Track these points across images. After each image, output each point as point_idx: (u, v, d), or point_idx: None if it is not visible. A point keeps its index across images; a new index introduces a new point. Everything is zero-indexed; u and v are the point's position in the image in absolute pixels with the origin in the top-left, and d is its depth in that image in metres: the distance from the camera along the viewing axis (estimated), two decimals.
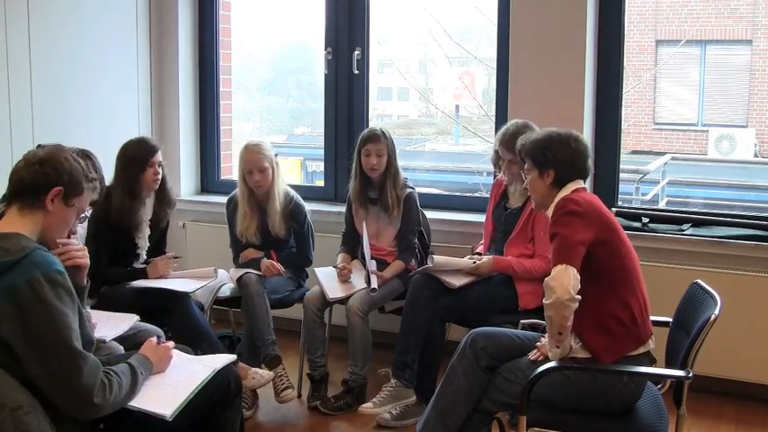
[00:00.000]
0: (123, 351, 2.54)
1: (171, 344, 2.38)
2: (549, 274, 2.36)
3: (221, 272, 3.64)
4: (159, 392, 2.18)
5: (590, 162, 2.62)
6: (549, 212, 2.55)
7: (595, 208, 2.49)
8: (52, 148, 2.17)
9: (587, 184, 2.72)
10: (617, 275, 2.45)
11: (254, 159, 3.64)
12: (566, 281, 2.31)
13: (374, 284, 3.51)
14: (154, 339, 2.35)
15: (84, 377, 1.94)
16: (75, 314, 1.99)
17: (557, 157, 2.54)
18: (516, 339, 2.67)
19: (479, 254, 3.55)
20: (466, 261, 3.43)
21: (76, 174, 2.12)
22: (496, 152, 3.51)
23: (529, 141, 2.63)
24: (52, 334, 1.91)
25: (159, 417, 2.06)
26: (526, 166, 2.63)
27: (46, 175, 2.07)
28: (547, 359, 2.46)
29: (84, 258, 2.20)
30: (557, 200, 2.52)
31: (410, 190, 3.71)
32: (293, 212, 3.77)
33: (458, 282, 3.34)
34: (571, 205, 2.45)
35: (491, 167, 3.82)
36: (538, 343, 2.59)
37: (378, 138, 3.65)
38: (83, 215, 2.22)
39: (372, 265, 3.59)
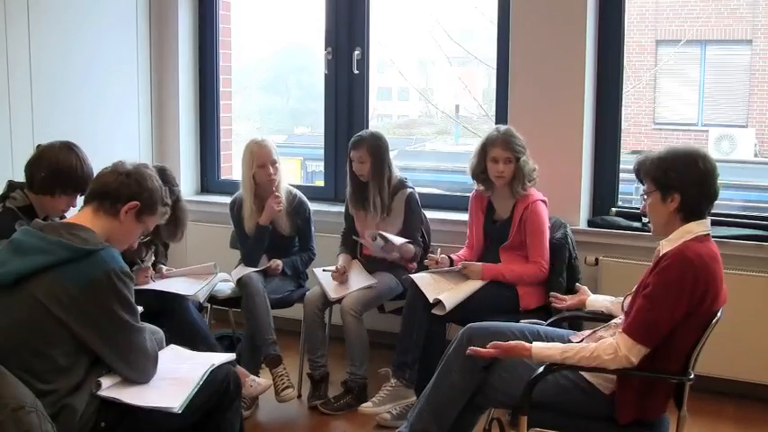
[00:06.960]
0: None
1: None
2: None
3: (221, 274, 3.64)
4: (163, 389, 2.21)
5: (718, 184, 2.34)
6: (669, 244, 2.34)
7: (709, 272, 2.26)
8: (141, 164, 2.35)
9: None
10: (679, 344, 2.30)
11: (265, 153, 3.67)
12: (631, 358, 2.24)
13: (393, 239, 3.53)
14: None
15: (149, 344, 2.23)
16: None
17: (683, 180, 2.31)
18: (512, 335, 2.58)
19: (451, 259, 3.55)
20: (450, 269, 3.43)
21: (156, 194, 2.30)
22: (479, 159, 3.48)
23: (650, 160, 2.38)
24: (120, 318, 2.11)
25: (167, 410, 2.13)
26: (646, 187, 2.40)
27: (129, 187, 2.24)
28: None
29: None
30: (679, 241, 2.31)
31: (410, 190, 3.70)
32: (297, 209, 3.79)
33: (447, 297, 3.29)
34: (688, 271, 2.22)
35: None
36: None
37: (358, 145, 3.66)
38: (145, 235, 2.46)
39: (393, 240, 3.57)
